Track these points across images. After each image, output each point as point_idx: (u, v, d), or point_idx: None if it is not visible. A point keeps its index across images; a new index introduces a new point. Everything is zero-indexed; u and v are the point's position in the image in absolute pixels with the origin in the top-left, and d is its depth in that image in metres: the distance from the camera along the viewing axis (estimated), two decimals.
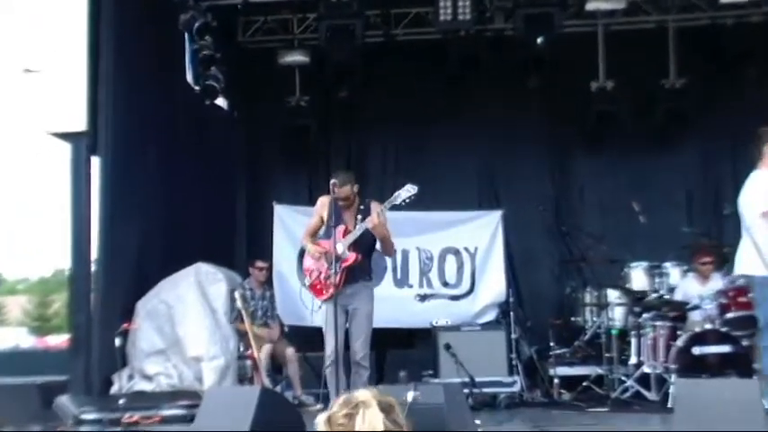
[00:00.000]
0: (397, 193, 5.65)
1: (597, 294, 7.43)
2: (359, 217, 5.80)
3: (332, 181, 5.78)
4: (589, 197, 8.67)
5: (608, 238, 7.68)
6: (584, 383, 7.02)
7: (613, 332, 7.00)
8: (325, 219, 5.91)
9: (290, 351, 7.06)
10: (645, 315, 6.80)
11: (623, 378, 6.75)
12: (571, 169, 8.82)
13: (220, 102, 8.25)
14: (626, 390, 6.66)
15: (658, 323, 6.62)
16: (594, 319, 7.41)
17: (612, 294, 7.28)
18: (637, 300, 7.01)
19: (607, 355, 6.97)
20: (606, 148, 8.63)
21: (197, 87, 7.96)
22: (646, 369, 6.58)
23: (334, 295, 5.70)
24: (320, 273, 5.89)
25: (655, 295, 7.02)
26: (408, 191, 5.63)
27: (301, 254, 7.85)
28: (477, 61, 8.40)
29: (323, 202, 6.02)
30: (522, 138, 8.83)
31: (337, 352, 5.61)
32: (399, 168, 8.91)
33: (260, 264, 7.47)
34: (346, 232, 5.81)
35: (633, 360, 6.80)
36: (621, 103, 8.11)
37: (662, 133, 8.38)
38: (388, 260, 7.89)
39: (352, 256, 5.76)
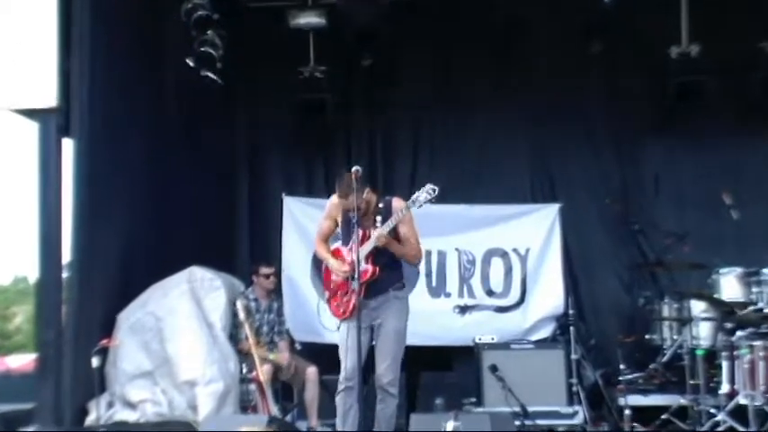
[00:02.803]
0: (415, 196, 5.70)
1: (678, 307, 7.35)
2: (378, 219, 5.83)
3: (353, 169, 5.74)
4: (667, 188, 8.54)
5: (691, 237, 7.56)
6: (663, 416, 6.87)
7: (699, 353, 6.85)
8: (340, 222, 6.01)
9: (311, 370, 7.08)
10: (739, 333, 6.70)
11: (713, 411, 6.65)
12: (644, 154, 8.67)
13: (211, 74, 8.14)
14: (716, 425, 6.55)
15: (757, 343, 6.52)
16: (675, 336, 7.35)
17: (697, 307, 7.17)
18: (728, 314, 6.94)
19: (691, 381, 6.85)
20: (688, 129, 8.42)
21: (190, 58, 7.88)
22: (741, 400, 6.47)
23: (352, 314, 5.75)
24: (337, 287, 5.98)
25: (751, 308, 6.92)
26: (428, 193, 5.68)
27: (316, 256, 7.79)
28: (528, 23, 8.39)
29: (334, 202, 6.06)
30: (582, 116, 8.72)
31: (357, 374, 5.57)
32: (434, 153, 8.88)
33: (265, 270, 7.43)
34: (365, 238, 5.83)
35: (725, 388, 6.68)
36: (709, 72, 7.94)
37: (760, 110, 8.20)
38: (422, 264, 7.88)
39: (369, 270, 5.81)
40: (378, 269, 5.81)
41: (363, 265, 5.76)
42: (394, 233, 5.82)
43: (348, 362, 5.70)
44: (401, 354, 5.93)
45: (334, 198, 6.02)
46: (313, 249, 7.89)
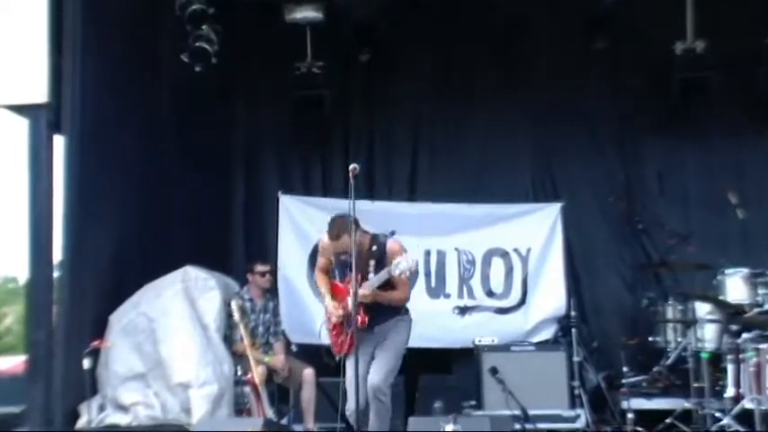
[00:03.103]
0: (398, 261, 5.71)
1: (682, 308, 7.34)
2: (371, 262, 5.87)
3: (351, 166, 5.76)
4: (671, 187, 8.51)
5: (696, 237, 7.57)
6: (667, 420, 6.82)
7: (704, 356, 6.87)
8: (333, 261, 6.14)
9: (307, 372, 7.05)
10: (745, 335, 6.69)
11: (718, 415, 6.62)
12: (647, 152, 8.63)
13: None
14: (722, 429, 6.53)
15: (763, 346, 6.50)
16: (679, 339, 7.33)
17: (702, 308, 7.12)
18: (734, 315, 6.88)
19: (696, 384, 6.84)
20: (693, 126, 8.42)
21: (184, 54, 7.85)
22: (747, 404, 6.45)
23: (349, 351, 5.88)
24: (335, 325, 6.10)
25: (758, 310, 6.91)
26: (410, 262, 5.69)
27: (313, 255, 7.86)
28: (530, 20, 8.37)
29: (325, 244, 6.17)
30: (585, 114, 8.69)
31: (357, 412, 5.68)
32: (434, 151, 8.86)
33: (261, 267, 7.40)
34: (360, 281, 5.85)
35: (730, 392, 6.67)
36: (715, 68, 7.90)
37: (766, 106, 8.16)
38: (421, 264, 7.98)
39: (359, 319, 5.80)
40: (369, 318, 5.86)
41: (355, 314, 5.85)
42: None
43: (354, 395, 5.72)
44: (398, 366, 6.00)
45: (325, 238, 6.11)
46: (309, 249, 7.99)
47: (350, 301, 5.88)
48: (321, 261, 6.29)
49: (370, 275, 5.84)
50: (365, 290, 5.76)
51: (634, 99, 8.52)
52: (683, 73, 7.98)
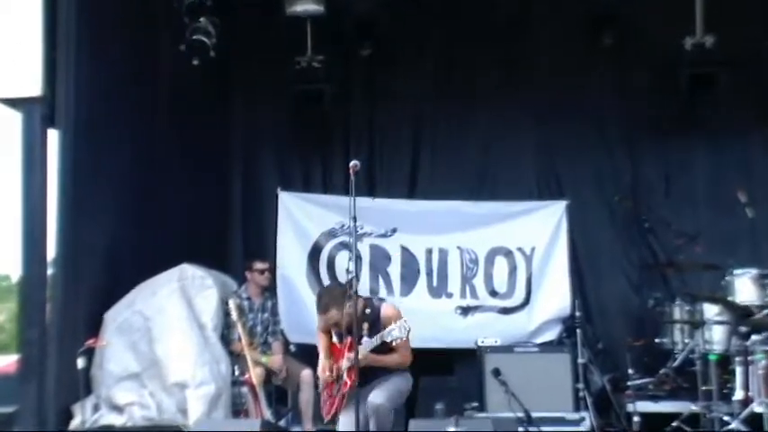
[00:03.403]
0: (390, 328, 5.73)
1: (690, 309, 7.33)
2: (365, 326, 5.90)
3: (351, 163, 5.76)
4: (678, 185, 8.48)
5: (703, 237, 7.57)
6: (674, 424, 6.79)
7: (712, 358, 6.84)
8: (334, 334, 6.19)
9: (305, 373, 7.06)
10: (754, 337, 6.64)
11: (726, 418, 6.59)
12: (654, 150, 8.59)
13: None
14: None
15: None
16: (686, 340, 7.32)
17: (710, 310, 7.11)
18: (743, 317, 6.81)
19: (704, 387, 6.81)
20: (701, 123, 8.42)
21: (182, 47, 7.84)
22: (756, 408, 6.43)
23: (334, 417, 6.01)
24: (326, 384, 6.18)
25: (767, 311, 6.86)
26: (401, 330, 5.71)
27: (313, 253, 7.82)
28: (533, 15, 8.40)
29: (319, 337, 6.29)
30: (590, 111, 8.65)
31: None
32: (436, 148, 8.83)
33: (260, 265, 7.43)
34: (351, 347, 5.89)
35: (739, 395, 6.65)
36: (724, 64, 7.88)
37: None
38: (422, 262, 8.05)
39: (347, 383, 5.90)
40: (356, 383, 5.84)
41: (344, 377, 5.93)
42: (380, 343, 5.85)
43: None
44: (399, 396, 6.03)
45: (319, 322, 6.25)
46: (309, 247, 8.00)
47: (343, 363, 5.98)
48: (320, 322, 6.31)
49: (364, 339, 5.84)
50: (364, 349, 5.77)
51: (640, 96, 8.49)
52: (692, 69, 7.95)
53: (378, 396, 5.83)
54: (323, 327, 6.25)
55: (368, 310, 5.96)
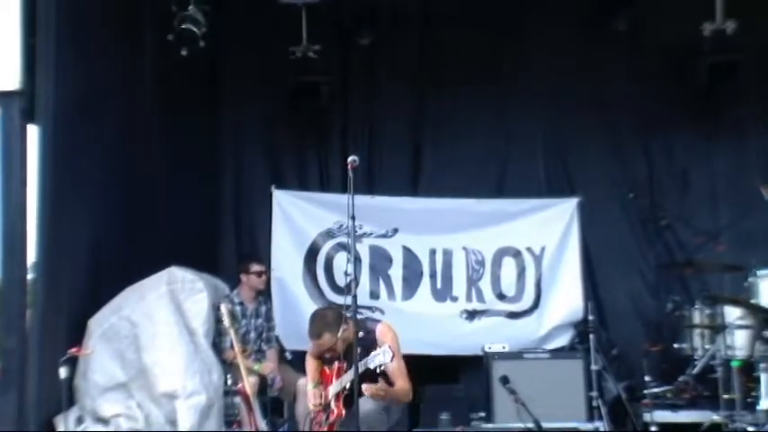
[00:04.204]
0: (374, 354, 5.68)
1: (710, 313, 7.33)
2: (359, 350, 5.80)
3: (350, 159, 5.76)
4: (698, 181, 8.53)
5: (725, 235, 7.72)
6: None
7: (734, 364, 6.85)
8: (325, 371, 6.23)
9: (302, 382, 6.92)
10: None
11: (750, 429, 6.61)
12: (672, 143, 8.65)
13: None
14: None
15: None
16: (707, 346, 7.30)
17: (732, 313, 7.10)
18: (767, 321, 6.85)
19: (726, 396, 6.83)
20: (722, 115, 8.44)
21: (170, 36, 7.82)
22: None
23: None
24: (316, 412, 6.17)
25: None
26: (385, 356, 5.60)
27: (309, 255, 7.82)
28: (541, 1, 8.44)
29: (308, 363, 6.37)
30: (603, 101, 8.68)
31: None
32: (438, 141, 8.85)
33: (257, 267, 7.48)
34: (339, 372, 5.98)
35: (764, 404, 6.67)
36: (746, 51, 7.89)
37: None
38: (425, 264, 8.07)
39: (335, 412, 5.94)
40: (345, 412, 5.87)
41: (332, 405, 5.94)
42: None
43: None
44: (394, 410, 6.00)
45: (309, 359, 6.34)
46: (305, 248, 7.99)
47: (331, 390, 6.01)
48: (312, 347, 6.31)
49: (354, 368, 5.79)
50: (368, 387, 5.71)
51: (656, 86, 8.50)
52: (711, 57, 7.96)
53: (364, 403, 5.77)
54: (314, 352, 6.26)
55: (361, 334, 5.89)
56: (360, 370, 5.62)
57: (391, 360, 5.59)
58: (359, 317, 5.97)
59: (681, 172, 8.55)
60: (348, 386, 5.81)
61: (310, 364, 6.32)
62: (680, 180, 8.54)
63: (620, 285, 8.44)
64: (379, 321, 6.26)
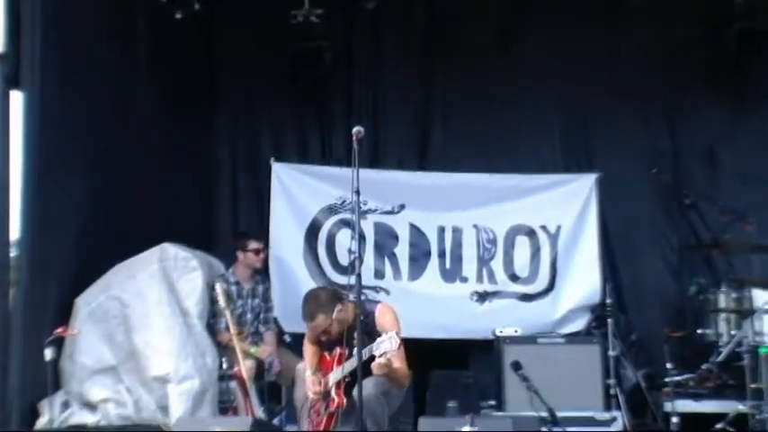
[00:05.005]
0: (379, 340, 5.66)
1: (737, 296, 7.31)
2: (354, 335, 5.77)
3: (354, 129, 5.74)
4: (725, 157, 8.51)
5: (754, 214, 7.57)
6: (718, 426, 6.79)
7: (762, 351, 6.76)
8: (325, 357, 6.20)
9: (300, 366, 6.90)
10: None
11: None
12: (698, 117, 8.62)
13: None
14: None
15: None
16: (733, 332, 7.30)
17: (761, 297, 7.09)
18: None
19: (753, 385, 6.79)
20: (752, 86, 8.41)
21: None
22: None
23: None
24: (313, 401, 6.16)
25: None
26: (392, 343, 5.61)
27: (310, 232, 7.80)
28: None
29: (306, 348, 6.34)
30: (624, 72, 8.64)
31: None
32: (448, 112, 8.85)
33: (255, 244, 7.50)
34: (341, 359, 5.98)
35: None
36: None
37: None
38: (433, 242, 8.06)
39: (335, 401, 5.96)
40: (346, 400, 5.87)
41: (332, 393, 5.93)
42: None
43: None
44: (383, 388, 5.89)
45: (307, 344, 6.33)
46: (306, 225, 7.98)
47: (332, 377, 6.01)
48: (309, 331, 6.30)
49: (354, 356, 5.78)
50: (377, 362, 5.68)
51: (682, 55, 8.49)
52: (741, 24, 7.93)
53: (363, 388, 5.73)
54: (311, 336, 6.25)
55: (363, 317, 5.85)
56: (363, 357, 5.58)
57: (398, 348, 5.58)
58: (353, 301, 5.95)
59: (707, 146, 8.53)
60: (350, 374, 5.80)
61: (308, 349, 6.31)
62: (706, 155, 8.52)
63: (641, 267, 8.45)
64: (378, 302, 6.24)
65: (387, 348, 5.58)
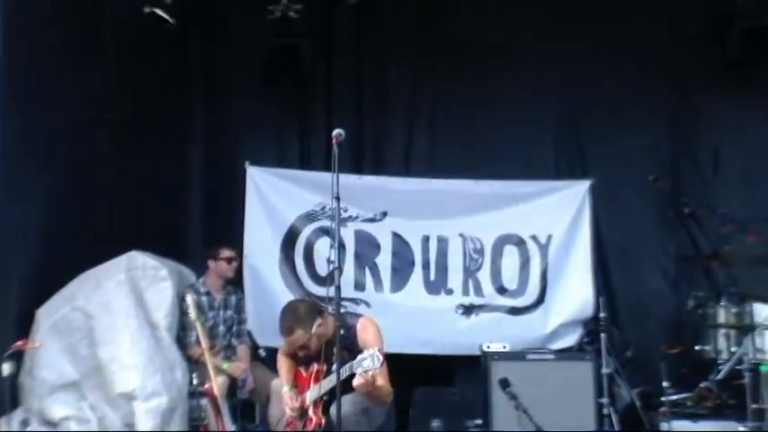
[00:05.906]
0: (361, 358, 5.66)
1: (737, 311, 7.36)
2: (334, 350, 5.79)
3: (335, 132, 5.77)
4: (727, 163, 8.56)
5: (756, 224, 7.63)
6: None
7: (764, 369, 6.88)
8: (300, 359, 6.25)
9: (277, 383, 6.93)
10: None
11: None
12: (700, 119, 8.69)
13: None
14: None
15: None
16: (733, 348, 7.33)
17: (762, 311, 7.15)
18: None
19: (754, 405, 6.83)
20: (756, 88, 8.48)
21: None
22: None
23: None
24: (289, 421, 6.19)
25: None
26: (374, 360, 5.60)
27: (287, 240, 7.81)
28: None
29: (280, 362, 6.40)
30: (621, 71, 8.67)
31: None
32: (435, 115, 8.90)
33: (227, 252, 7.52)
34: (318, 376, 6.00)
35: None
36: None
37: None
38: (417, 252, 8.08)
39: (313, 420, 5.98)
40: (324, 420, 5.89)
41: (310, 412, 5.96)
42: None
43: None
44: (360, 406, 5.90)
45: (281, 356, 6.36)
46: (282, 233, 7.98)
47: (309, 395, 6.04)
48: (285, 345, 6.32)
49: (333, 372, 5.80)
50: (359, 378, 5.65)
51: (682, 54, 8.52)
52: (745, 22, 7.99)
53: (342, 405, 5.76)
54: (287, 350, 6.26)
55: (342, 331, 5.87)
56: (343, 375, 5.59)
57: (380, 366, 5.57)
58: (333, 314, 5.95)
59: (708, 151, 8.57)
60: (328, 393, 5.82)
61: (283, 363, 6.32)
62: (707, 161, 8.57)
63: (637, 279, 8.48)
64: (360, 316, 6.25)
65: (369, 366, 5.56)
